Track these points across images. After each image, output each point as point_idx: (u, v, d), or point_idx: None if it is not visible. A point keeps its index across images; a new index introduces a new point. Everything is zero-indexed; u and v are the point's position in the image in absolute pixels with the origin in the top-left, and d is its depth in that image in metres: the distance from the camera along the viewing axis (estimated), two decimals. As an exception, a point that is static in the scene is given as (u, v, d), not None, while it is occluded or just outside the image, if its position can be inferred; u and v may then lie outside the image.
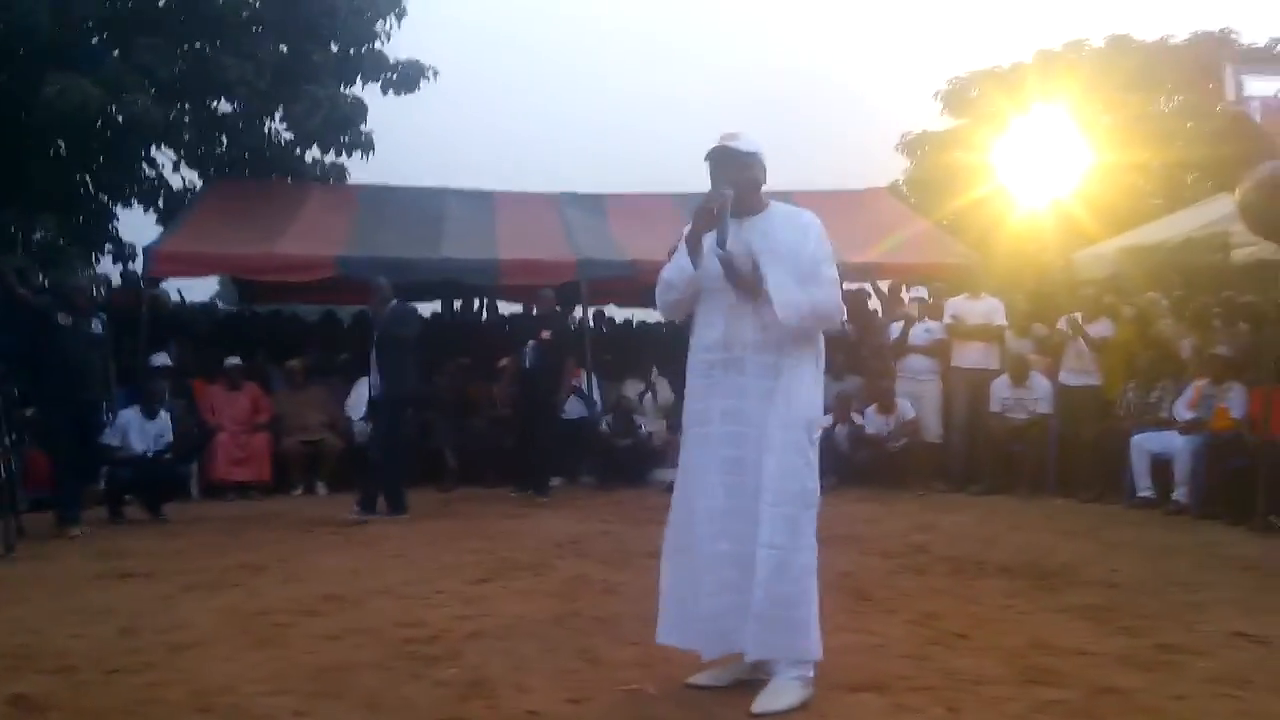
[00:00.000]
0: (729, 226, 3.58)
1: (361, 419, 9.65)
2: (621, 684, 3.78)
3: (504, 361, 10.07)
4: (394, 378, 8.23)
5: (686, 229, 3.68)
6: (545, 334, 9.27)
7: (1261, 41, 21.21)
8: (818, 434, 3.67)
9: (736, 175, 3.64)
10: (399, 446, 8.57)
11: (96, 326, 7.81)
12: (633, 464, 10.20)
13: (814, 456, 3.61)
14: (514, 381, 9.45)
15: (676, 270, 3.73)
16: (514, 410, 9.50)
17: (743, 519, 3.53)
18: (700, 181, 3.77)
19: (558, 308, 10.18)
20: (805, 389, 3.60)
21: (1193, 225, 8.67)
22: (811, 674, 3.57)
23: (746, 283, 3.56)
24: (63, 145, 13.48)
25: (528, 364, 9.22)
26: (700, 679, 3.72)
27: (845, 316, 3.70)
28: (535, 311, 9.82)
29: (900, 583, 5.66)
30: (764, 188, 3.76)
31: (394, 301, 8.49)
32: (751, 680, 3.60)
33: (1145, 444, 8.57)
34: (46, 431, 8.05)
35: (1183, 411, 8.52)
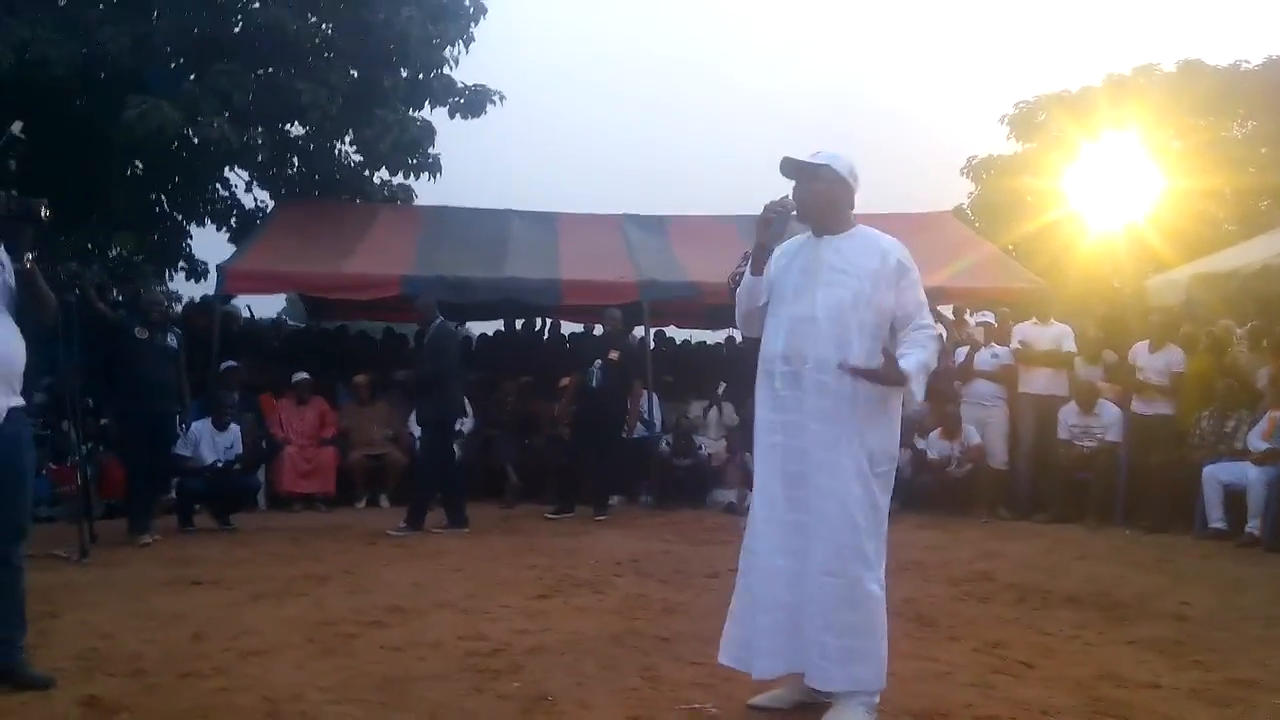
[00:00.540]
0: (792, 238, 3.62)
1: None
2: (683, 703, 3.78)
3: (565, 380, 10.13)
4: (435, 396, 8.32)
5: (751, 245, 3.71)
6: (614, 354, 9.30)
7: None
8: (887, 466, 3.59)
9: (807, 187, 3.65)
10: (447, 463, 8.66)
11: (171, 340, 8.00)
12: (692, 484, 10.18)
13: (880, 486, 3.55)
14: (576, 400, 9.48)
15: (744, 282, 3.76)
16: (573, 429, 9.51)
17: (802, 535, 3.53)
18: (757, 205, 3.78)
19: (625, 330, 10.23)
20: (871, 415, 3.54)
21: (1269, 252, 8.47)
22: (876, 699, 3.53)
23: (890, 378, 3.52)
24: (140, 166, 13.88)
25: (594, 384, 9.25)
26: (762, 700, 3.71)
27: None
28: (602, 331, 9.86)
29: (965, 610, 5.58)
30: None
31: (438, 320, 8.57)
32: (814, 703, 3.57)
33: (1218, 474, 8.37)
34: (120, 441, 8.25)
35: (1257, 442, 8.32)
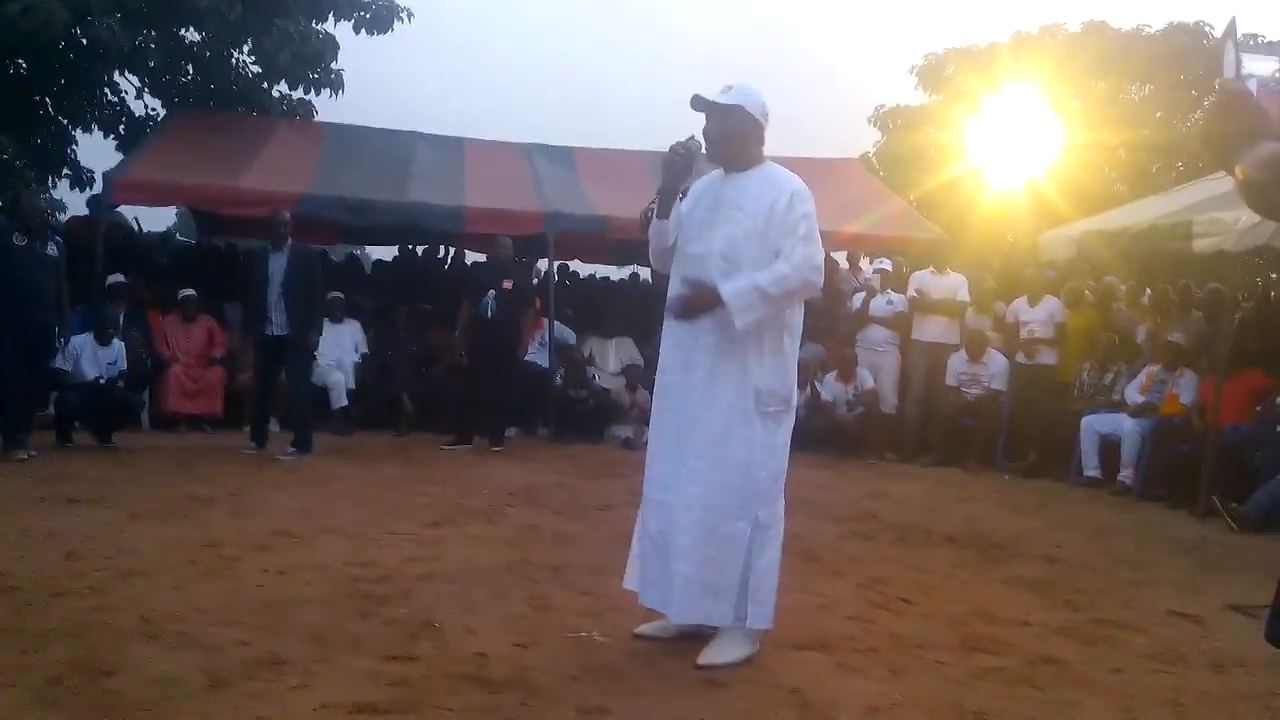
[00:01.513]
0: (702, 177, 3.59)
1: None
2: (570, 631, 3.81)
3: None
4: (301, 319, 8.19)
5: (659, 185, 3.67)
6: (507, 284, 9.18)
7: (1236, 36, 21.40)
8: (777, 406, 3.58)
9: (715, 126, 3.60)
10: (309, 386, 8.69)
11: (51, 250, 7.65)
12: (590, 419, 10.19)
13: (769, 426, 3.56)
14: (470, 331, 9.33)
15: (652, 224, 3.73)
16: (469, 360, 9.42)
17: (678, 470, 3.56)
18: (670, 140, 3.73)
19: (519, 259, 10.06)
20: (761, 355, 3.55)
21: (1158, 213, 8.74)
22: (758, 633, 3.61)
23: (700, 302, 3.50)
24: (23, 65, 13.11)
25: (489, 314, 9.14)
26: (648, 629, 3.76)
27: (822, 280, 3.62)
28: (494, 260, 9.70)
29: (849, 548, 5.74)
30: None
31: (290, 241, 8.35)
32: (698, 634, 3.63)
33: (1095, 425, 8.71)
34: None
35: (1134, 395, 8.67)
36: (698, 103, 3.58)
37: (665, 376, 3.69)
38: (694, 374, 3.55)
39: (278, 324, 8.13)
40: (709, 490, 3.49)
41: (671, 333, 3.67)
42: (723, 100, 3.57)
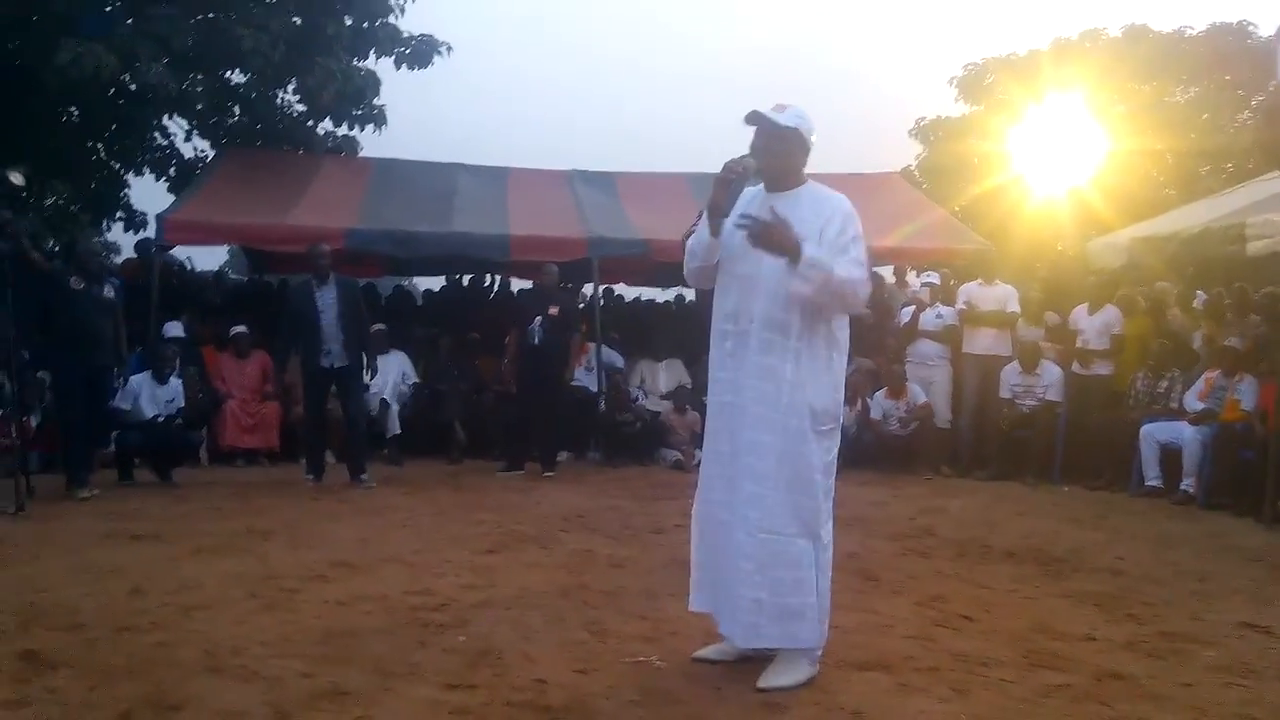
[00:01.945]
0: (742, 194, 3.58)
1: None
2: (628, 656, 3.80)
3: (508, 338, 10.04)
4: (359, 350, 8.37)
5: (706, 199, 3.67)
6: (553, 310, 9.23)
7: (1281, 34, 21.08)
8: (829, 425, 3.56)
9: (765, 144, 3.59)
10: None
11: (109, 291, 7.81)
12: (640, 441, 10.20)
13: (824, 446, 3.54)
14: (519, 358, 9.38)
15: (696, 238, 3.73)
16: (519, 387, 9.47)
17: (734, 494, 3.54)
18: (711, 162, 3.74)
19: (564, 284, 10.09)
20: (814, 374, 3.51)
21: (1209, 216, 8.61)
22: (818, 653, 3.57)
23: (782, 241, 3.43)
24: (76, 112, 13.47)
25: (535, 341, 9.18)
26: (708, 653, 3.74)
27: (866, 301, 3.60)
28: (540, 287, 9.75)
29: (907, 565, 5.66)
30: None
31: (333, 273, 8.47)
32: (758, 656, 3.61)
33: (1155, 434, 8.55)
34: (57, 395, 8.06)
35: (1193, 402, 8.51)
36: (754, 119, 3.57)
37: (716, 397, 3.68)
38: (744, 395, 3.53)
39: (336, 356, 8.26)
40: (769, 514, 3.44)
41: (719, 352, 3.66)
42: (781, 121, 3.54)
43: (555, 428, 9.42)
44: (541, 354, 9.16)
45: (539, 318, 9.16)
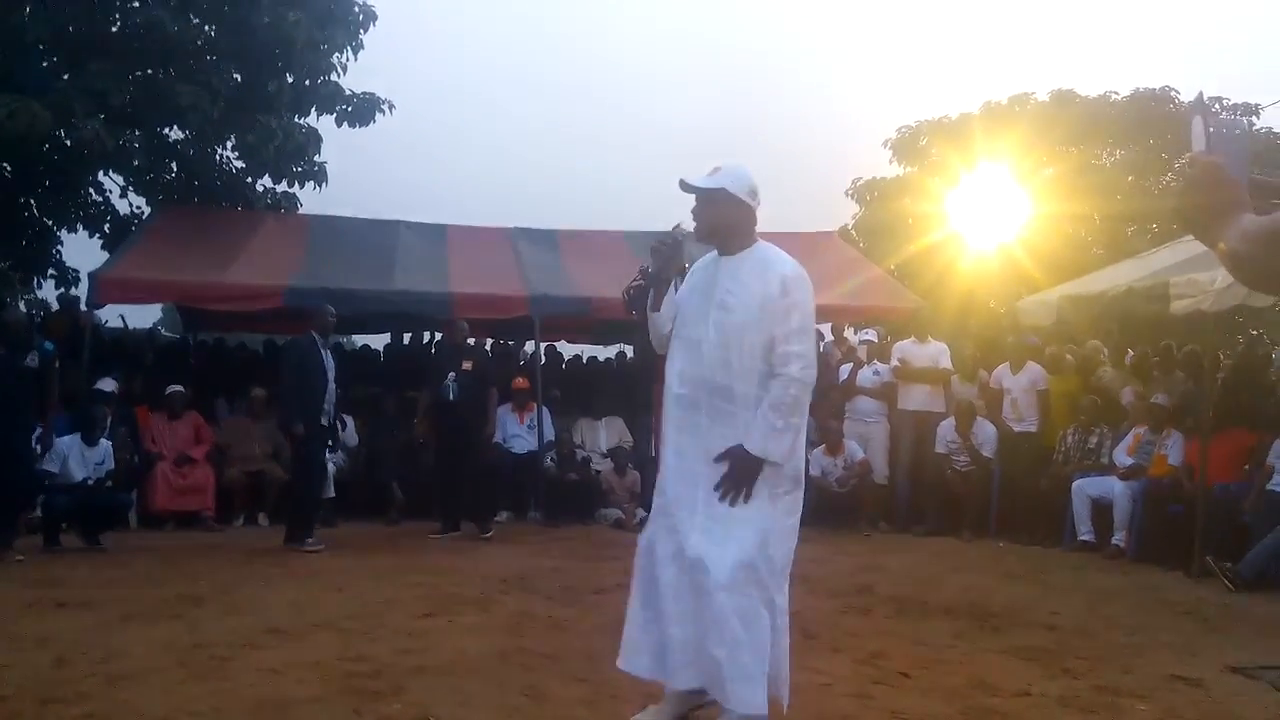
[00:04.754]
0: (682, 255, 3.64)
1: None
2: (567, 720, 3.76)
3: (416, 395, 9.91)
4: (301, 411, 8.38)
5: (646, 264, 3.70)
6: (466, 365, 9.11)
7: (1200, 101, 21.90)
8: (788, 488, 3.54)
9: (698, 209, 3.61)
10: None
11: (32, 360, 7.60)
12: (581, 500, 10.15)
13: (784, 509, 3.52)
14: (434, 415, 9.25)
15: (650, 316, 3.75)
16: (438, 445, 9.30)
17: (697, 553, 3.45)
18: (654, 222, 3.80)
19: (503, 341, 10.00)
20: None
21: (1134, 276, 8.86)
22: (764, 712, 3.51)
23: (752, 474, 3.45)
24: (8, 168, 13.26)
25: (450, 396, 9.01)
26: (644, 717, 3.70)
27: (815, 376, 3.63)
28: (451, 342, 9.64)
29: (846, 622, 5.69)
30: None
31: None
32: (691, 717, 3.58)
33: (1086, 488, 8.72)
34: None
35: (1122, 458, 8.69)
36: (684, 186, 3.60)
37: (675, 460, 3.62)
38: (699, 463, 3.52)
39: (329, 416, 8.48)
40: (734, 568, 3.36)
41: (676, 410, 3.63)
42: (705, 185, 3.56)
43: (485, 487, 9.28)
44: (457, 410, 9.04)
45: (452, 373, 9.08)
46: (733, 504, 3.44)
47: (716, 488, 3.45)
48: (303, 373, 8.39)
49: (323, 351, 8.49)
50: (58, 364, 8.00)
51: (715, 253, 3.70)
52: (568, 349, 15.00)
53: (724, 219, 3.61)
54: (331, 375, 8.48)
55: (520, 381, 10.63)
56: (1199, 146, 1.98)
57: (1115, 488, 8.47)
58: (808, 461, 9.63)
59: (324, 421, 8.43)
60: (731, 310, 3.52)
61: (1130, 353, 11.03)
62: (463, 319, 9.67)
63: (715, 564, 3.37)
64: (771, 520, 3.47)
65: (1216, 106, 20.34)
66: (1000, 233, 18.13)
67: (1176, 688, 4.45)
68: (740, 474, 3.44)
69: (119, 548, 8.04)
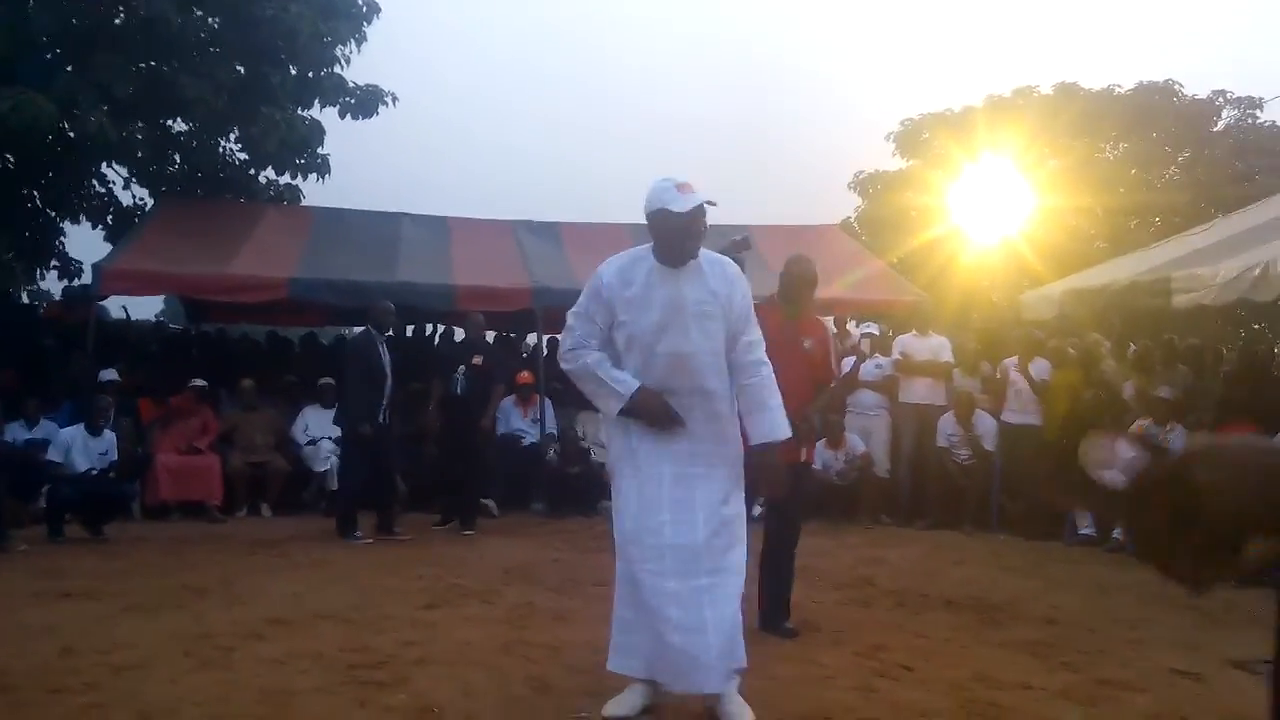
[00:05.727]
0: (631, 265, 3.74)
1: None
2: (571, 712, 3.78)
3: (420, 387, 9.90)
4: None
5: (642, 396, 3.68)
6: (477, 360, 9.10)
7: (1204, 94, 21.87)
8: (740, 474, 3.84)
9: (700, 224, 3.66)
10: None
11: None
12: (583, 492, 10.17)
13: (739, 493, 3.80)
14: (442, 409, 9.18)
15: (601, 384, 3.75)
16: (442, 437, 9.27)
17: (691, 552, 3.61)
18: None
19: (506, 334, 9.98)
20: (737, 431, 3.82)
21: (1136, 270, 8.87)
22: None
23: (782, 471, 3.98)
24: (11, 160, 13.26)
25: (459, 390, 8.99)
26: (618, 710, 3.73)
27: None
28: (465, 337, 9.64)
29: (847, 615, 5.71)
30: (716, 221, 3.79)
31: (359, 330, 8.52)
32: (657, 704, 3.73)
33: (1087, 482, 8.70)
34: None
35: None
36: (708, 206, 3.63)
37: (658, 467, 3.70)
38: (698, 463, 3.69)
39: (386, 412, 8.46)
40: (726, 562, 3.63)
41: (654, 436, 3.72)
42: (708, 201, 3.64)
43: (479, 482, 9.26)
44: (465, 404, 9.02)
45: (462, 367, 9.05)
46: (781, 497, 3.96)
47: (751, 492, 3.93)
48: (363, 370, 8.43)
49: (380, 347, 8.49)
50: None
51: (651, 260, 3.69)
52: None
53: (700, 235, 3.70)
54: (389, 371, 8.48)
55: (525, 375, 10.64)
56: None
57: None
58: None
59: (381, 418, 8.43)
60: (713, 318, 3.67)
61: (1132, 346, 11.04)
62: (478, 312, 9.66)
63: (702, 559, 3.58)
64: (736, 509, 3.76)
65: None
66: (1003, 226, 18.10)
67: (1176, 681, 4.47)
68: (773, 471, 3.86)
69: (122, 538, 8.07)
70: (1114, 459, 1.36)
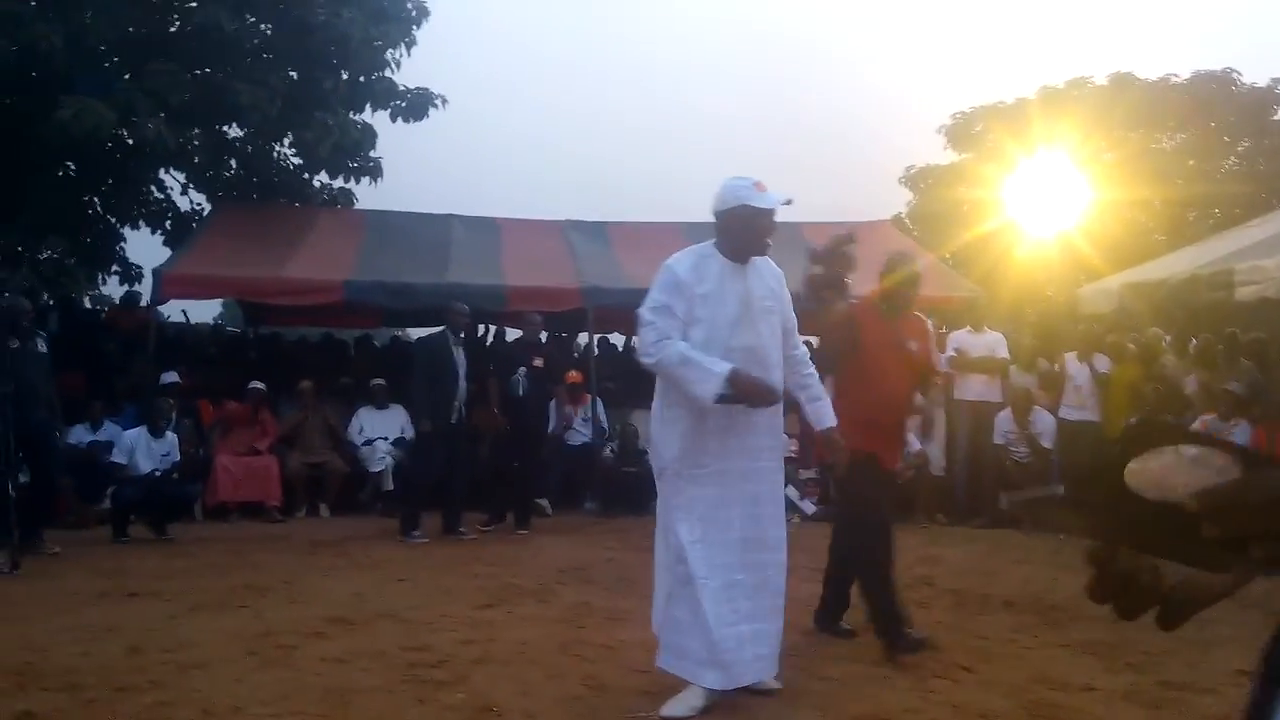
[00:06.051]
0: (695, 265, 3.90)
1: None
2: (627, 711, 3.79)
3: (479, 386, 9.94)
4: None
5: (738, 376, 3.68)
6: (538, 361, 9.13)
7: (1263, 82, 21.40)
8: None
9: (770, 224, 3.89)
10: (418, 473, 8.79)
11: (41, 345, 7.70)
12: (636, 491, 10.16)
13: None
14: (501, 410, 9.15)
15: (698, 380, 3.71)
16: (499, 438, 9.26)
17: (758, 549, 3.85)
18: (702, 210, 4.20)
19: (559, 334, 10.01)
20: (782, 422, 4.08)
21: (1197, 262, 8.70)
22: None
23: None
24: (73, 167, 13.57)
25: (519, 392, 9.01)
26: (675, 710, 3.73)
27: None
28: (521, 337, 9.67)
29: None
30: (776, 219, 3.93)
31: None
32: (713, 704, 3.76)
33: (1149, 479, 8.55)
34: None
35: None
36: (784, 204, 3.85)
37: (724, 462, 3.79)
38: (759, 459, 3.87)
39: (458, 413, 8.56)
40: (778, 558, 3.90)
41: (719, 420, 3.77)
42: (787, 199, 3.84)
43: (535, 481, 9.30)
44: (524, 405, 9.06)
45: (523, 368, 9.07)
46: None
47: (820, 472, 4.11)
48: (433, 370, 8.52)
49: (454, 349, 8.58)
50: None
51: (720, 258, 3.84)
52: (621, 341, 15.03)
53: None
54: (463, 372, 8.57)
55: (574, 375, 10.67)
56: None
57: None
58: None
59: (453, 419, 8.51)
60: (775, 313, 3.90)
61: (1194, 341, 10.82)
62: (535, 312, 9.69)
63: (765, 557, 3.86)
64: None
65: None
66: (1058, 220, 17.83)
67: (1242, 683, 4.36)
68: (841, 449, 4.22)
69: (185, 539, 8.23)
70: (1178, 474, 0.91)
